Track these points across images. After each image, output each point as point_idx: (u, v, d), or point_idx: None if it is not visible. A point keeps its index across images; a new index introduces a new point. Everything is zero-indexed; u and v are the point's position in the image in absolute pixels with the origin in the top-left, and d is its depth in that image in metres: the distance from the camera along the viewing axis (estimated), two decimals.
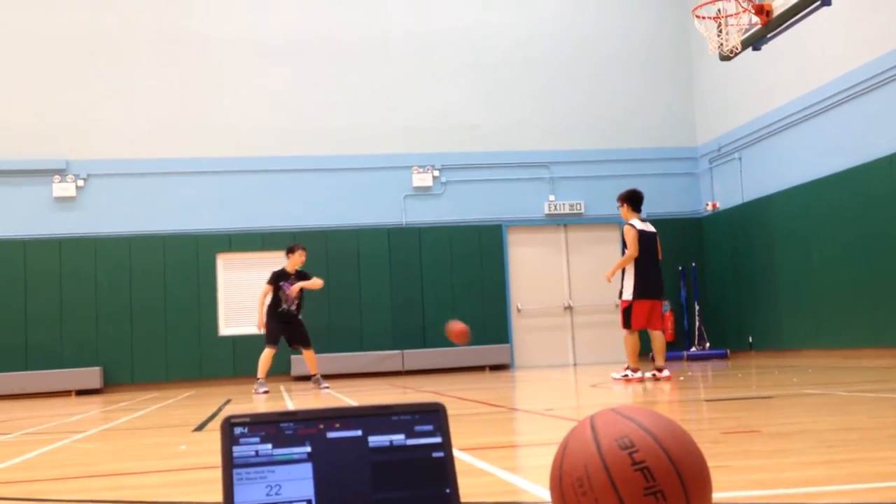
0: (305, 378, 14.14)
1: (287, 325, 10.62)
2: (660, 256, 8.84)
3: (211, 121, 14.84)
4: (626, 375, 8.55)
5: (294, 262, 10.77)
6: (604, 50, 15.83)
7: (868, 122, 11.41)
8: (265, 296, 10.72)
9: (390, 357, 14.45)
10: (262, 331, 10.65)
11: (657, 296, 8.71)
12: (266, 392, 10.09)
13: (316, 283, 10.80)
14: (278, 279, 10.66)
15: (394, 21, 15.40)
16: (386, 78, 15.29)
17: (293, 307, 10.64)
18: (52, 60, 14.52)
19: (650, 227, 8.83)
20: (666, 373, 8.50)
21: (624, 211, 8.81)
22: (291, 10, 15.20)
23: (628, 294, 8.57)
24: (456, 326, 8.78)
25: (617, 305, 9.53)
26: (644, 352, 8.94)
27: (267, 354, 10.54)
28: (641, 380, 8.46)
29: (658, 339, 8.63)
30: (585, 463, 1.37)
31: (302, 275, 10.79)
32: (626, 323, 8.59)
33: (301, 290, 10.68)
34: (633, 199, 8.81)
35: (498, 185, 15.41)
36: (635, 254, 8.56)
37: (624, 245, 8.78)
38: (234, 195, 14.70)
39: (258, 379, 10.45)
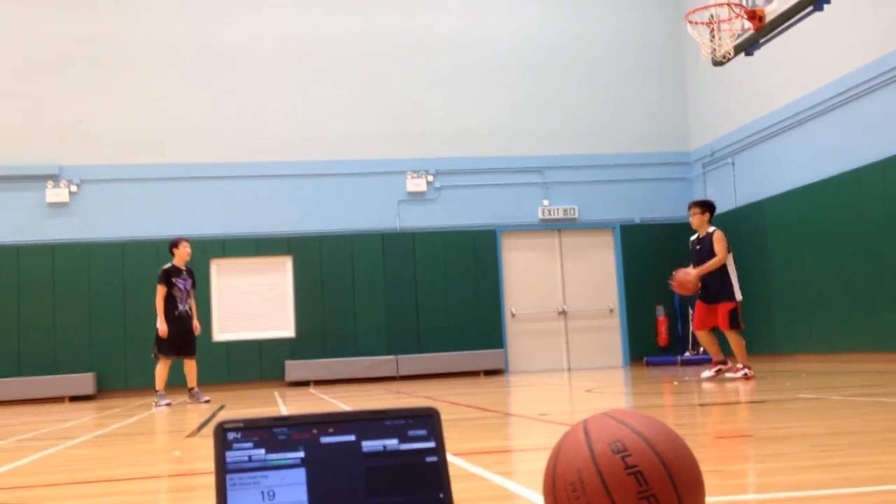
0: (302, 384, 14.16)
1: (183, 331, 10.09)
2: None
3: (204, 126, 14.84)
4: (746, 374, 8.70)
5: (181, 256, 10.23)
6: (597, 55, 15.87)
7: (860, 127, 11.45)
8: (162, 297, 10.05)
9: (385, 362, 14.44)
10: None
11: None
12: (168, 405, 9.68)
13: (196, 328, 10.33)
14: (170, 277, 10.10)
15: (387, 27, 15.42)
16: (380, 84, 15.31)
17: (188, 308, 10.20)
18: (45, 66, 14.50)
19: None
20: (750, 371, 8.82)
21: (706, 218, 9.11)
22: (285, 17, 15.21)
23: (738, 294, 8.82)
24: (682, 278, 8.93)
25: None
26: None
27: (163, 366, 10.01)
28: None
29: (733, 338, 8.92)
30: (579, 467, 1.37)
31: (191, 272, 10.37)
32: (736, 322, 8.77)
33: (193, 288, 10.27)
34: (713, 209, 9.23)
35: (492, 190, 15.42)
36: (726, 256, 8.88)
37: (703, 251, 9.04)
38: (227, 200, 14.69)
39: (157, 391, 9.96)
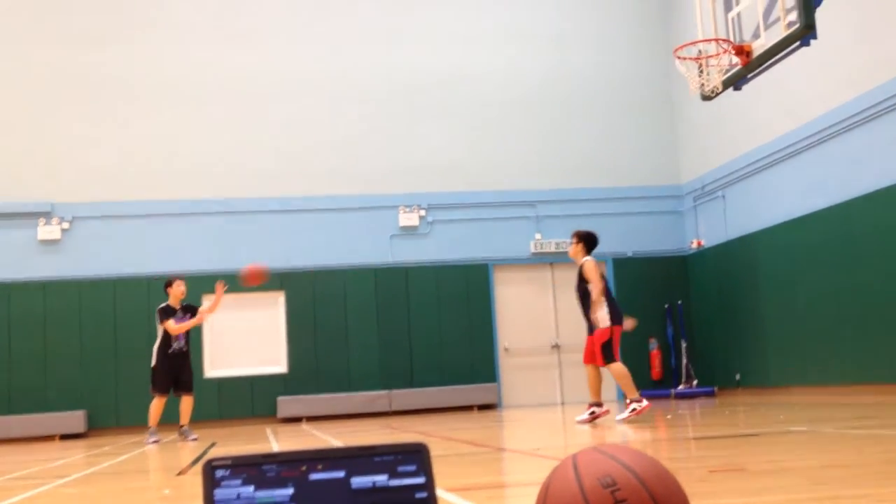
0: (295, 420, 14.07)
1: (178, 368, 10.09)
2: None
3: (197, 163, 14.87)
4: (635, 409, 8.28)
5: (175, 295, 10.24)
6: (588, 90, 15.99)
7: (850, 160, 11.53)
8: (166, 329, 10.11)
9: (378, 398, 14.37)
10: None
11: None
12: (156, 441, 9.68)
13: (202, 316, 10.33)
14: (167, 316, 10.13)
15: (379, 63, 15.52)
16: (372, 119, 15.38)
17: (184, 345, 10.17)
18: (37, 103, 14.55)
19: None
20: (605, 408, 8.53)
21: (580, 249, 8.88)
22: (278, 53, 15.31)
23: (606, 321, 8.48)
24: (252, 269, 8.70)
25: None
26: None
27: (157, 403, 10.02)
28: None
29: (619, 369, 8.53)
30: (568, 502, 1.37)
31: (189, 308, 10.33)
32: (609, 354, 8.41)
33: (192, 316, 10.24)
34: (590, 241, 8.94)
35: (484, 224, 15.46)
36: (602, 284, 8.67)
37: (581, 282, 8.79)
38: (219, 236, 14.69)
39: (149, 428, 9.99)
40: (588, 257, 8.79)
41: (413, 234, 15.26)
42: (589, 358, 8.63)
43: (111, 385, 13.84)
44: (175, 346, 10.12)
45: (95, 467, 6.53)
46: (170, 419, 10.64)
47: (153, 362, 10.12)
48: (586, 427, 8.08)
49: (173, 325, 10.09)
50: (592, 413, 8.42)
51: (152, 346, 10.30)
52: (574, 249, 8.90)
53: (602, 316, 8.50)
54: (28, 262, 14.16)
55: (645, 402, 8.25)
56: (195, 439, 9.99)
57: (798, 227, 12.49)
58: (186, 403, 10.21)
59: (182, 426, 10.24)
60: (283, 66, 15.25)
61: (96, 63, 14.78)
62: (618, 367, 8.40)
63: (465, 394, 14.56)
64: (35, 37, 14.71)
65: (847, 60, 11.51)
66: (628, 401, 8.37)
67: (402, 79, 15.52)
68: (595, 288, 8.57)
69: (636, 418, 8.21)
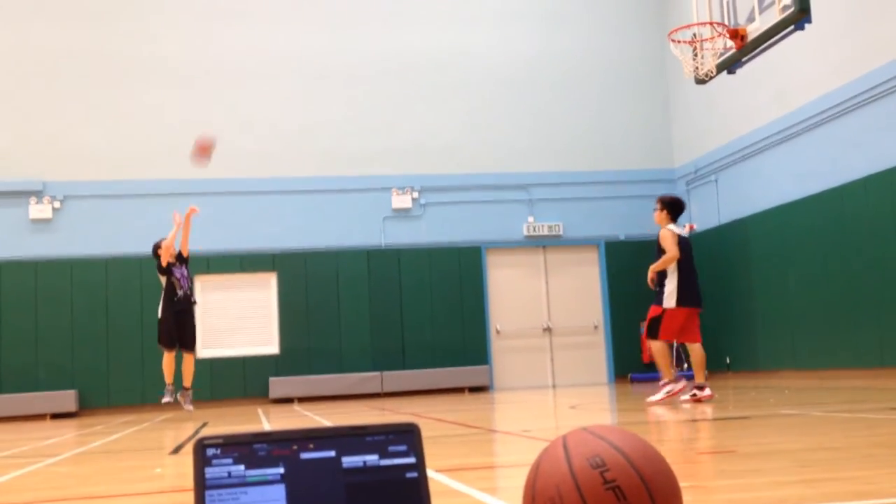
0: (287, 401, 14.09)
1: (182, 319, 10.03)
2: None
3: (188, 142, 14.76)
4: (669, 391, 7.90)
5: (165, 258, 10.09)
6: (582, 73, 15.96)
7: (843, 145, 11.55)
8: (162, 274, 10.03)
9: (369, 379, 14.40)
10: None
11: (698, 304, 8.13)
12: (169, 402, 9.76)
13: (187, 225, 10.23)
14: (168, 265, 10.06)
15: (373, 43, 15.46)
16: (365, 100, 15.33)
17: (189, 291, 10.11)
18: (28, 82, 14.46)
19: (686, 233, 8.37)
20: (707, 391, 7.94)
21: (664, 216, 8.24)
22: (271, 33, 15.23)
23: (671, 301, 7.92)
24: (199, 144, 8.50)
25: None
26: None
27: (167, 359, 9.99)
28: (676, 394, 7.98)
29: (696, 351, 8.08)
30: (557, 483, 1.38)
31: (180, 256, 10.22)
32: (655, 330, 7.99)
33: (187, 263, 10.17)
34: (672, 206, 8.29)
35: (477, 207, 15.45)
36: (677, 254, 7.97)
37: (659, 251, 8.11)
38: (212, 217, 14.62)
39: (167, 386, 10.01)
40: (671, 225, 8.18)
41: (406, 216, 15.25)
42: (669, 334, 8.11)
43: (102, 365, 13.84)
44: (180, 293, 10.06)
45: (86, 446, 6.54)
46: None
47: (159, 314, 10.15)
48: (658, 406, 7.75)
49: (167, 239, 10.02)
50: (694, 395, 7.92)
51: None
52: (658, 216, 8.27)
53: (669, 292, 7.97)
54: (19, 242, 14.12)
55: (681, 384, 7.89)
56: (190, 410, 10.03)
57: (790, 212, 12.51)
58: (188, 362, 10.25)
59: (186, 388, 10.24)
60: (276, 47, 15.18)
61: (88, 42, 14.69)
62: (658, 345, 8.00)
63: (457, 376, 14.60)
64: (28, 16, 14.60)
65: (841, 45, 11.50)
66: (662, 382, 8.04)
67: (395, 60, 15.47)
68: (666, 257, 7.98)
69: (670, 400, 7.90)
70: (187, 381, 10.28)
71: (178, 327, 10.10)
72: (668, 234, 8.09)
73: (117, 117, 14.63)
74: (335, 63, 15.32)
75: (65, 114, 14.49)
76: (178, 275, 10.15)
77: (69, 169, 14.40)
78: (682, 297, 7.94)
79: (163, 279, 10.17)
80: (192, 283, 10.30)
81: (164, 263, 10.05)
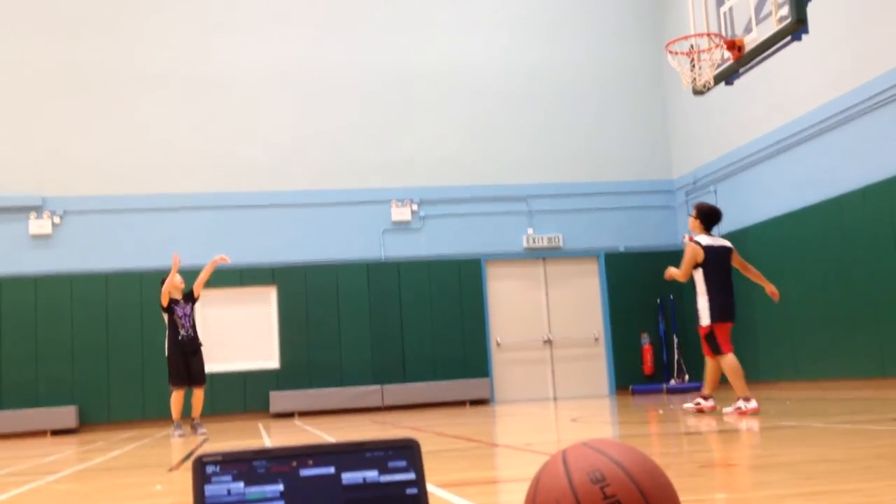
0: (287, 415, 14.06)
1: (190, 357, 10.02)
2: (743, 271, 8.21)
3: (188, 156, 14.83)
4: (740, 408, 7.49)
5: (171, 287, 10.03)
6: (580, 85, 15.99)
7: (841, 155, 11.56)
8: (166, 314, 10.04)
9: (370, 392, 14.37)
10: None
11: (730, 318, 7.91)
12: (182, 436, 9.66)
13: (209, 268, 10.24)
14: (169, 304, 10.04)
15: (372, 56, 15.50)
16: (364, 112, 15.36)
17: (191, 331, 10.07)
18: (28, 96, 14.49)
19: (722, 242, 8.08)
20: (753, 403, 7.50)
21: (697, 224, 8.08)
22: (269, 46, 15.27)
23: (705, 317, 7.76)
24: None
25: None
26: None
27: (176, 397, 9.98)
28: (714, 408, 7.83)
29: (712, 364, 7.89)
30: (558, 497, 1.38)
31: (189, 295, 10.20)
32: (715, 346, 7.70)
33: (194, 302, 10.15)
34: (707, 216, 8.10)
35: (476, 219, 15.46)
36: (685, 277, 7.90)
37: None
38: (211, 231, 14.65)
39: (174, 422, 9.99)
40: (702, 236, 7.97)
41: (405, 228, 15.25)
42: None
43: (103, 380, 13.82)
44: (183, 332, 10.03)
45: (87, 463, 6.52)
46: (167, 414, 10.61)
47: (166, 352, 10.14)
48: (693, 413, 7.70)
49: (167, 283, 9.97)
50: (739, 408, 7.55)
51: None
52: (692, 222, 8.12)
53: (702, 309, 7.81)
54: (19, 257, 14.12)
55: (753, 404, 7.44)
56: (204, 433, 10.02)
57: (789, 222, 12.52)
58: (198, 396, 10.24)
59: (194, 419, 10.25)
60: (275, 60, 15.22)
61: (87, 56, 14.72)
62: (728, 359, 7.65)
63: (458, 389, 14.57)
64: (27, 31, 14.64)
65: (838, 55, 11.53)
66: (737, 397, 7.62)
67: (394, 73, 15.50)
68: (680, 271, 7.88)
69: (737, 417, 7.43)
70: (197, 413, 10.27)
71: (187, 365, 10.10)
72: (691, 250, 7.91)
73: (117, 132, 14.65)
74: (334, 76, 15.35)
75: (64, 129, 14.51)
76: (180, 313, 10.09)
77: (69, 184, 14.41)
78: (715, 313, 7.77)
79: (165, 316, 10.12)
80: (194, 322, 10.24)
81: (163, 304, 10.05)
